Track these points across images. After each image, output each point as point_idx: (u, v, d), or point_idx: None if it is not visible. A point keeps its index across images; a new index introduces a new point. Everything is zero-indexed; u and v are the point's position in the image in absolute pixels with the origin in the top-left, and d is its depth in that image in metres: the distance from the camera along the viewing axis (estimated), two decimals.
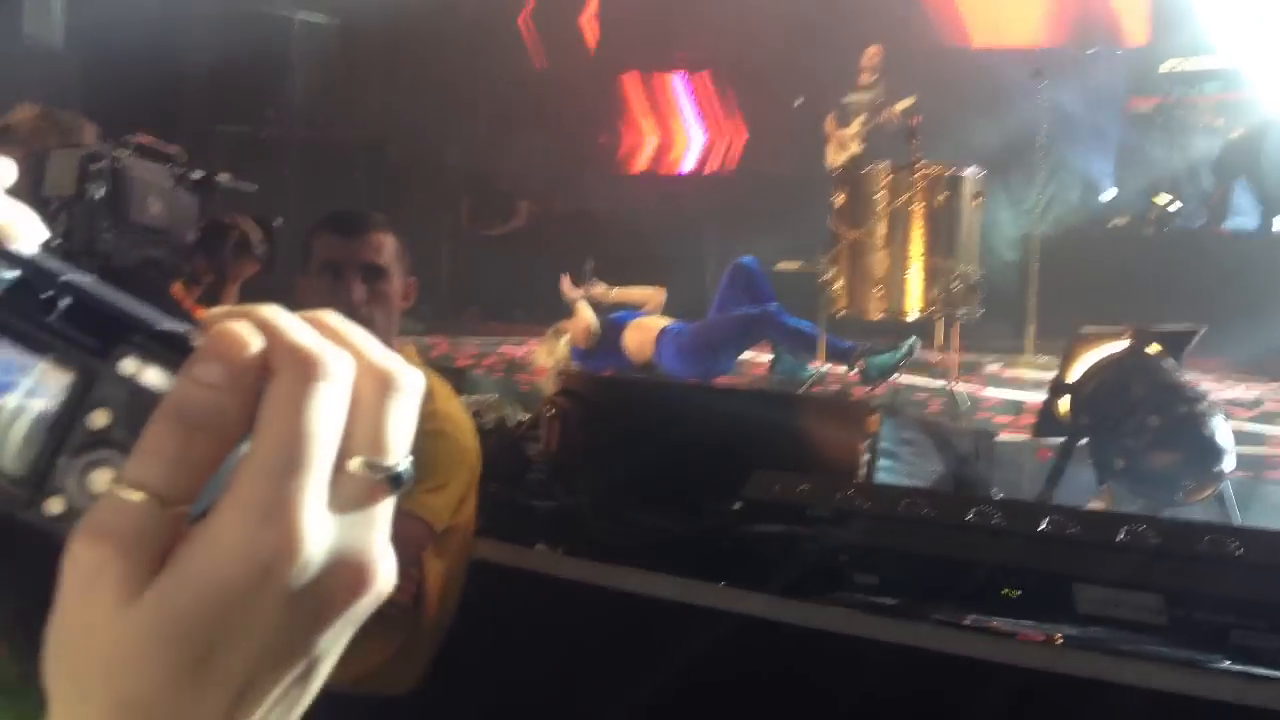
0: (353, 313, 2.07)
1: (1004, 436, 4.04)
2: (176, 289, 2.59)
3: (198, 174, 2.25)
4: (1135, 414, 3.08)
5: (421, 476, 2.34)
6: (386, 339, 1.59)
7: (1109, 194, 8.96)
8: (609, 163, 10.55)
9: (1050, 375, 3.81)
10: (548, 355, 5.61)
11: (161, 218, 2.06)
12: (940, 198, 5.19)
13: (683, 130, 10.57)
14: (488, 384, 4.47)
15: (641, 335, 5.65)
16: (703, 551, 2.78)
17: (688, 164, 10.57)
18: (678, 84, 10.57)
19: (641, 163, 10.67)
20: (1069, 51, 9.14)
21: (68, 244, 1.91)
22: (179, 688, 0.39)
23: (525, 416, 3.80)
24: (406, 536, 2.27)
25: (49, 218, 1.78)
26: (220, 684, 0.40)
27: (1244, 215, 8.17)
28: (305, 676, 0.42)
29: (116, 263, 1.97)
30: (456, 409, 2.52)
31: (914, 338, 5.35)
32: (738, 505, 2.77)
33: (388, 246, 2.49)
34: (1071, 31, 9.61)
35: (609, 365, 5.63)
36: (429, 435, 2.34)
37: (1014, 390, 5.54)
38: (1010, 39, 9.65)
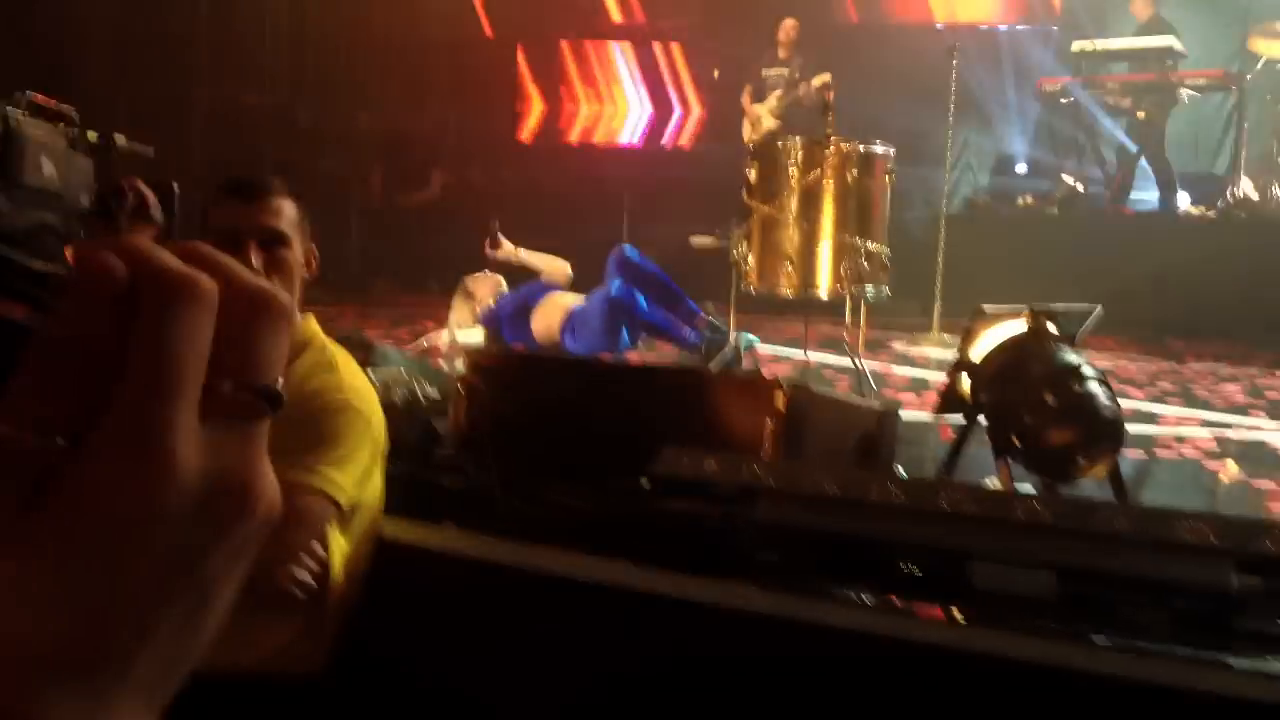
0: None
1: (908, 413, 4.10)
2: (69, 254, 2.52)
3: (94, 135, 2.19)
4: (1032, 392, 3.15)
5: (325, 450, 2.31)
6: None
7: (1018, 171, 9.14)
8: (532, 133, 10.46)
9: (954, 353, 3.87)
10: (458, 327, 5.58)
11: (54, 180, 1.99)
12: (852, 174, 5.22)
13: (620, 101, 10.47)
14: (397, 358, 4.41)
15: (548, 318, 5.66)
16: (611, 529, 2.79)
17: (623, 137, 10.51)
18: (616, 54, 10.45)
19: (571, 135, 10.59)
20: (983, 29, 9.27)
21: None
22: (66, 625, 0.38)
23: (434, 391, 3.77)
24: (311, 512, 2.23)
25: None
26: (109, 620, 0.39)
27: (1146, 195, 8.39)
28: (201, 605, 0.41)
29: (6, 225, 1.90)
30: (361, 382, 2.48)
31: (743, 334, 5.41)
32: (645, 483, 2.78)
33: (287, 212, 2.43)
34: (986, 9, 9.75)
35: (519, 343, 5.63)
36: (332, 408, 2.30)
37: (919, 368, 5.64)
38: (926, 16, 9.76)
